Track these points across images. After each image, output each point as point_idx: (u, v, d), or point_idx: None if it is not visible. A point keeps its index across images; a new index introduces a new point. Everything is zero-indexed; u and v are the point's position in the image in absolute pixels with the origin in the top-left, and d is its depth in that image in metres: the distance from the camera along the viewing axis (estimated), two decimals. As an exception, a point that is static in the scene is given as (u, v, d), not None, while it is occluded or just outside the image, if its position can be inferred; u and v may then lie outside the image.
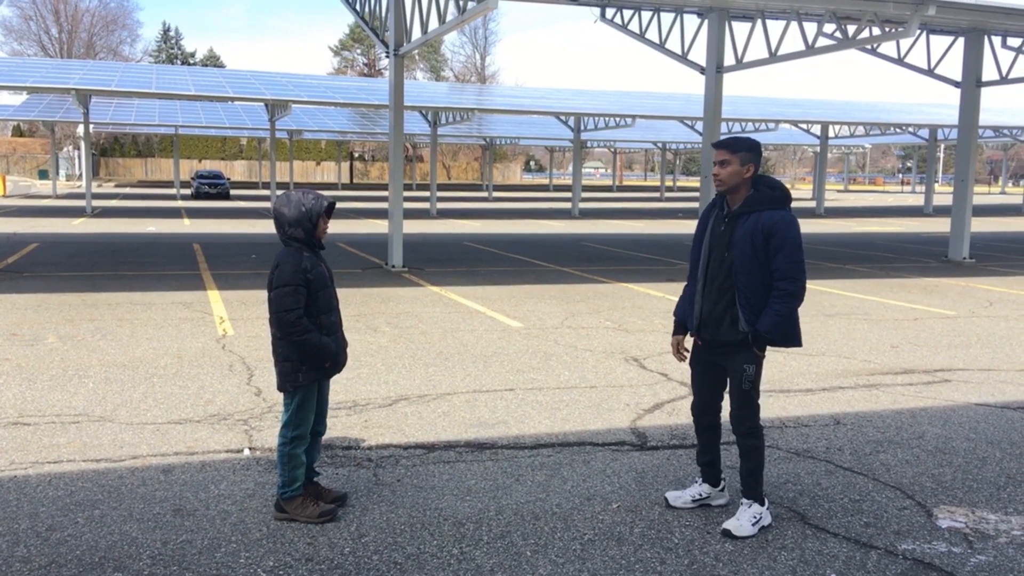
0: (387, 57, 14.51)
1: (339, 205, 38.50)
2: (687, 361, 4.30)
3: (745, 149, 3.98)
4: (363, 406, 6.02)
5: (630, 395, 6.50)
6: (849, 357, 8.05)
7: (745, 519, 4.01)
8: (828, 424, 5.85)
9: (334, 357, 4.02)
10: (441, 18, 12.53)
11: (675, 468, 4.91)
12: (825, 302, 11.51)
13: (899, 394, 6.72)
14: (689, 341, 4.27)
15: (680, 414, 6.00)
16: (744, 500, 4.08)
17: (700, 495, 4.33)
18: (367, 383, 6.68)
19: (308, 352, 3.95)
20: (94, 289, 11.38)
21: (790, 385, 6.93)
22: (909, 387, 6.96)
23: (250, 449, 5.02)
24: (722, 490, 4.36)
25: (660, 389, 6.72)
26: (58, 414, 5.65)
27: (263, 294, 3.96)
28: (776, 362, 7.69)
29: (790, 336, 4.03)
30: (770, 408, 6.19)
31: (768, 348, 4.07)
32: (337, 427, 5.49)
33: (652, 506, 4.33)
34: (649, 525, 4.09)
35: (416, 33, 13.84)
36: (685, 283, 4.32)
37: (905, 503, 4.44)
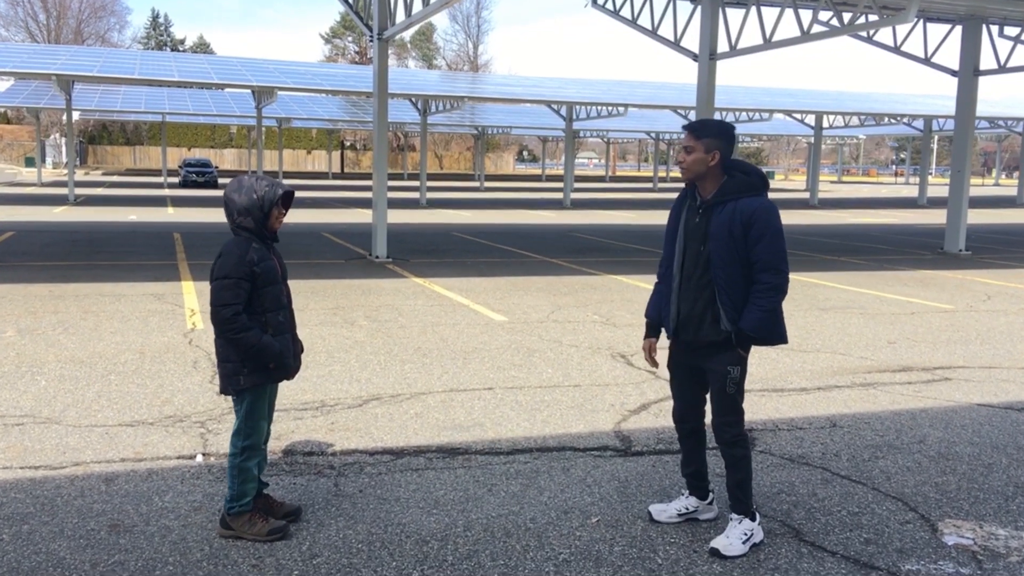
0: (367, 41, 14.09)
1: (328, 194, 38.03)
2: (666, 364, 3.95)
3: (711, 135, 3.63)
4: (331, 407, 5.66)
5: (615, 394, 6.16)
6: (845, 354, 7.73)
7: (735, 536, 3.67)
8: (824, 427, 5.52)
9: (277, 359, 3.64)
10: (425, 0, 12.11)
11: (660, 476, 4.57)
12: (819, 295, 11.19)
13: (898, 394, 6.40)
14: (663, 345, 3.92)
15: (667, 415, 5.63)
16: (733, 515, 3.74)
17: (686, 509, 3.98)
18: (338, 381, 6.32)
19: (247, 352, 3.58)
20: (64, 280, 10.97)
21: (784, 384, 6.60)
22: (908, 386, 6.64)
23: (203, 455, 4.66)
24: (710, 503, 4.02)
25: (647, 388, 6.38)
26: (1, 415, 5.27)
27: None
28: (769, 359, 7.37)
29: (776, 333, 3.67)
30: (763, 409, 5.86)
31: (754, 347, 3.72)
32: (301, 430, 5.14)
33: (635, 520, 3.98)
34: (630, 543, 3.75)
35: (400, 16, 13.42)
36: (656, 281, 3.96)
37: (907, 516, 4.12)
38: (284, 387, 6.01)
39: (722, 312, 3.61)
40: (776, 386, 6.53)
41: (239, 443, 3.62)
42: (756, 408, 5.86)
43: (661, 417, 5.61)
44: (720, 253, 3.58)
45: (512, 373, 6.73)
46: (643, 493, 4.32)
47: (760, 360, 7.31)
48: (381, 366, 6.84)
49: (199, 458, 4.60)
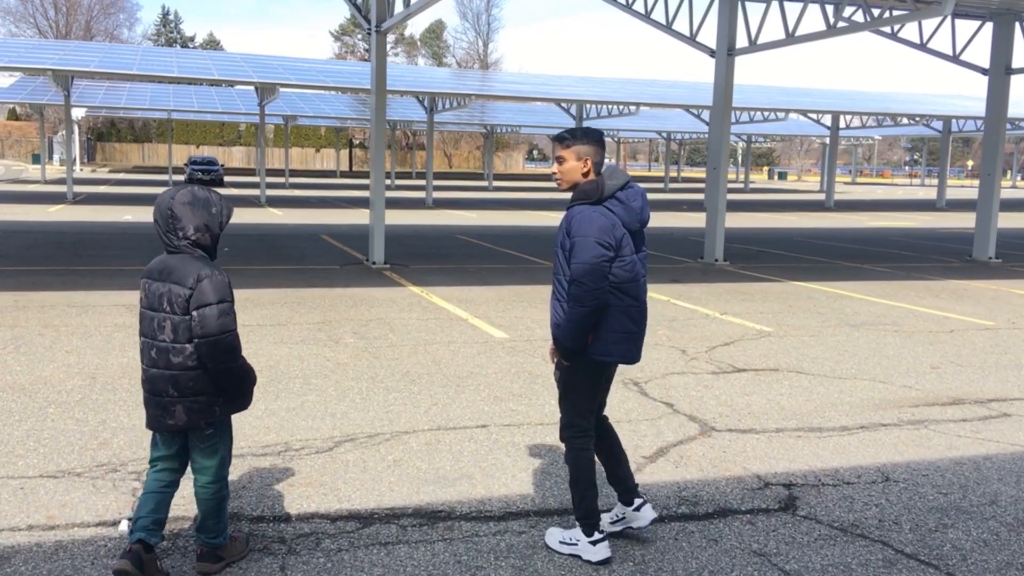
0: (366, 35, 13.30)
1: (334, 193, 37.38)
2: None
3: (581, 141, 3.50)
4: (296, 451, 4.85)
5: (628, 435, 5.31)
6: (885, 382, 6.88)
7: (565, 536, 3.63)
8: (875, 480, 4.68)
9: (253, 385, 3.41)
10: (424, -11, 11.31)
11: (685, 554, 3.73)
12: (848, 309, 10.32)
13: (953, 435, 5.54)
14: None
15: (690, 464, 4.83)
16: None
17: (616, 516, 3.80)
18: (310, 416, 5.51)
19: (239, 381, 3.28)
20: (34, 287, 10.22)
21: (821, 421, 5.75)
22: (963, 424, 5.79)
23: (129, 520, 3.84)
24: (637, 509, 3.73)
25: (664, 425, 5.55)
26: (-93, 462, 4.49)
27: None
28: (801, 388, 6.53)
29: (600, 349, 3.47)
30: (802, 456, 5.02)
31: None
32: (255, 484, 4.33)
33: (654, 623, 3.16)
34: (650, 659, 2.93)
35: (399, 7, 12.62)
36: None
37: (997, 616, 3.28)
38: (243, 427, 5.22)
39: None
40: (813, 424, 5.68)
41: (224, 473, 3.36)
42: (794, 454, 5.03)
43: (683, 466, 4.79)
44: (555, 262, 3.58)
45: (511, 405, 5.91)
46: (664, 579, 3.49)
47: (791, 390, 6.48)
48: (362, 396, 6.03)
49: (123, 525, 3.79)
